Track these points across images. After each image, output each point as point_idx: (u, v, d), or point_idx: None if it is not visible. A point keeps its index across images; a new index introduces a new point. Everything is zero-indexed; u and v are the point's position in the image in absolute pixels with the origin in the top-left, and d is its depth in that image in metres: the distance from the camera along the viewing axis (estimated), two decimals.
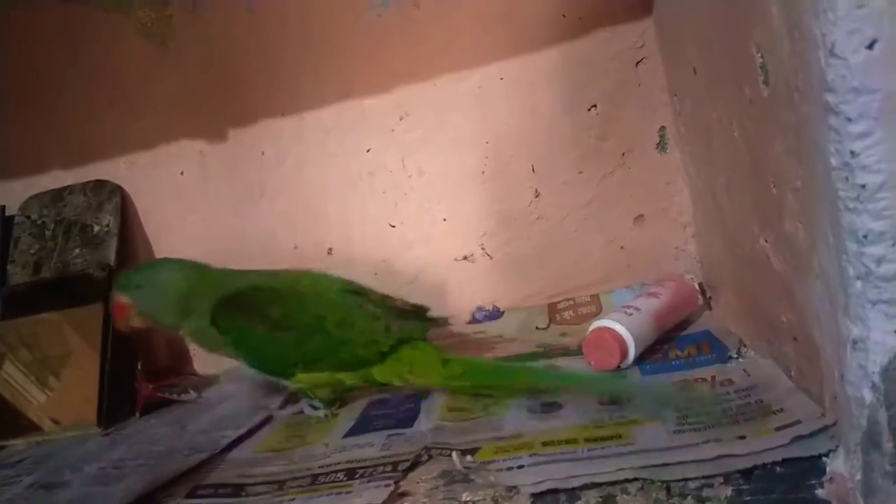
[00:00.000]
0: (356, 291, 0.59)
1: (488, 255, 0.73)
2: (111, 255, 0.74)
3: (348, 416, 0.55)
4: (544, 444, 0.40)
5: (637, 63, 0.67)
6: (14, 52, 0.79)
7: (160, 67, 0.76)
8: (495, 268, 0.73)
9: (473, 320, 0.73)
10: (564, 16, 0.68)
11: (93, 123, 0.78)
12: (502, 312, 0.73)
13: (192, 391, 0.72)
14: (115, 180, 0.78)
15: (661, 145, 0.68)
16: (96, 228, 0.76)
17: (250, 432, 0.56)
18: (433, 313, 0.61)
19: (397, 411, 0.53)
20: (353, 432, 0.50)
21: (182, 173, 0.77)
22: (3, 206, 0.79)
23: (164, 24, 0.75)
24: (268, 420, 0.59)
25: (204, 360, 0.78)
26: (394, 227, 0.75)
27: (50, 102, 0.79)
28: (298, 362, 0.55)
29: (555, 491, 0.35)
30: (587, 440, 0.39)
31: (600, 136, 0.69)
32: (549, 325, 0.70)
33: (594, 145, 0.70)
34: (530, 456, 0.38)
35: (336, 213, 0.75)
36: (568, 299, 0.71)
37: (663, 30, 0.64)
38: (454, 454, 0.41)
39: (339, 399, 0.58)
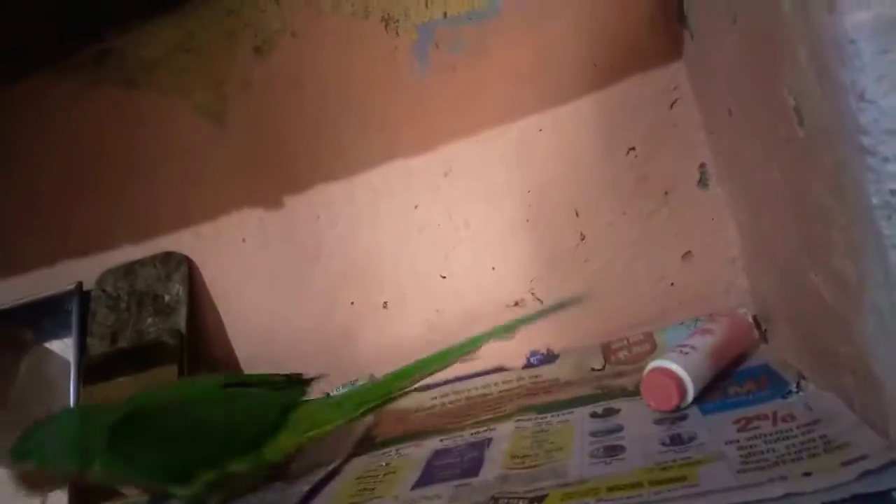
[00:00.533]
0: (235, 382, 0.62)
1: (538, 299, 0.75)
2: (182, 322, 0.78)
3: (414, 467, 0.56)
4: (609, 489, 0.40)
5: (672, 105, 0.69)
6: (83, 136, 0.85)
7: (218, 143, 0.81)
8: None
9: (528, 364, 0.74)
10: (596, 65, 0.71)
11: (158, 199, 0.84)
12: (557, 355, 0.74)
13: None
14: (182, 251, 0.83)
15: (703, 182, 0.69)
16: (167, 298, 0.80)
17: (322, 484, 0.58)
18: (309, 375, 0.65)
19: (462, 460, 0.54)
20: (420, 483, 0.52)
21: (244, 240, 0.82)
22: (81, 282, 0.84)
23: (220, 104, 0.80)
24: (335, 473, 0.61)
25: None
26: (444, 278, 0.77)
27: (118, 182, 0.85)
28: (199, 463, 0.56)
29: None
30: (652, 483, 0.40)
31: (641, 177, 0.71)
32: (604, 366, 0.70)
33: (635, 186, 0.71)
34: (597, 502, 0.39)
35: (389, 269, 0.78)
36: (621, 339, 0.71)
37: (695, 72, 0.66)
38: (521, 502, 0.42)
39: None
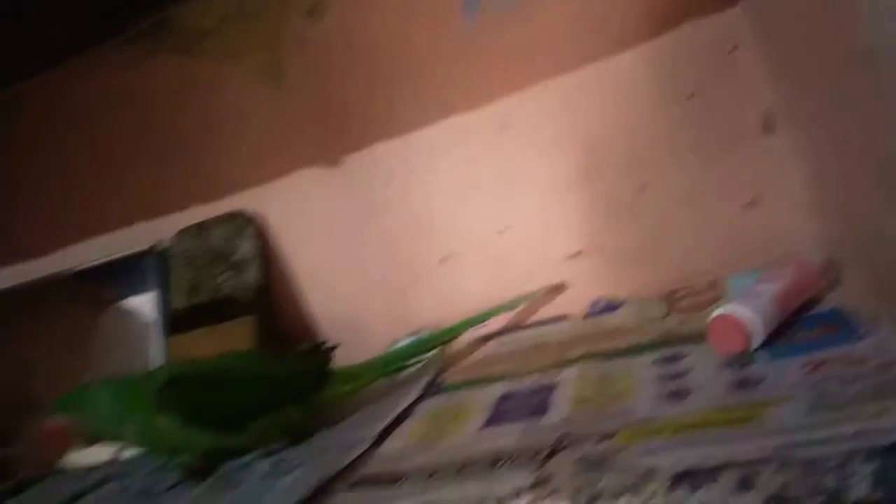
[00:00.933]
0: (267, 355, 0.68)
1: (599, 250, 0.75)
2: (253, 277, 0.82)
3: (482, 409, 0.58)
4: (677, 428, 0.42)
5: (731, 50, 0.67)
6: (148, 103, 0.89)
7: (278, 106, 0.83)
8: (608, 262, 0.75)
9: (591, 313, 0.75)
10: (651, 12, 0.69)
11: (224, 161, 0.87)
12: (619, 304, 0.74)
13: None
14: (250, 209, 0.86)
15: (767, 127, 0.68)
16: (238, 254, 0.84)
17: (393, 426, 0.61)
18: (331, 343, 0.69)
19: (528, 403, 0.56)
20: (489, 423, 0.54)
21: (307, 198, 0.84)
22: (157, 242, 0.89)
23: (276, 66, 0.82)
24: (405, 415, 0.64)
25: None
26: (501, 232, 0.78)
27: (186, 146, 0.89)
28: (246, 414, 0.61)
29: (692, 472, 0.37)
30: (720, 423, 0.41)
31: (701, 125, 0.70)
32: (668, 314, 0.71)
33: (696, 134, 0.70)
34: (665, 440, 0.40)
35: (446, 225, 0.80)
36: (685, 287, 0.71)
37: (755, 16, 0.64)
38: (591, 440, 0.43)
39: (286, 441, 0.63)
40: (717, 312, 0.55)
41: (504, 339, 0.77)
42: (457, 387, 0.68)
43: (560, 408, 0.53)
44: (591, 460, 0.42)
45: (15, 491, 0.76)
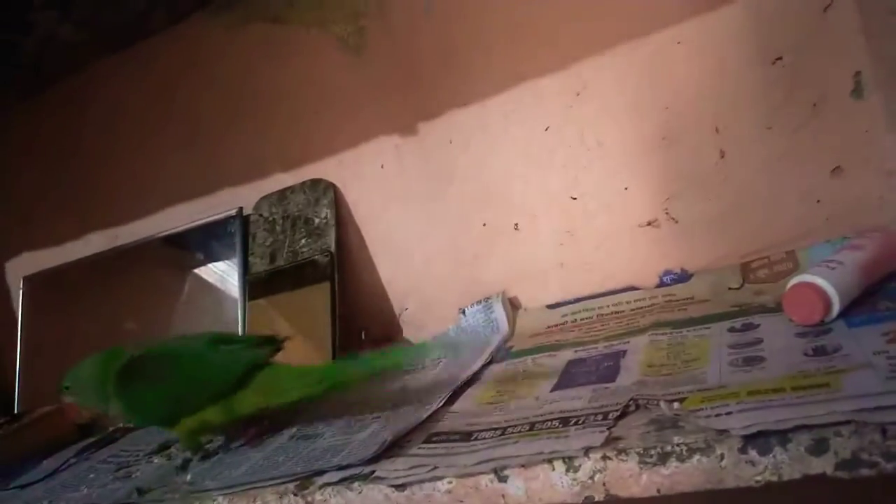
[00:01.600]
0: (220, 340, 0.66)
1: (673, 219, 0.75)
2: (331, 242, 0.85)
3: (551, 373, 0.60)
4: (750, 392, 0.42)
5: (825, 8, 0.65)
6: (236, 70, 0.92)
7: (357, 74, 0.85)
8: (682, 231, 0.74)
9: (661, 283, 0.75)
10: None
11: (305, 130, 0.90)
12: (691, 275, 0.74)
13: None
14: (328, 177, 0.89)
15: (857, 92, 0.65)
16: (316, 221, 0.87)
17: (464, 386, 0.63)
18: (280, 337, 0.67)
19: (597, 368, 0.57)
20: (558, 387, 0.55)
21: (382, 166, 0.86)
22: (241, 208, 0.93)
23: (358, 36, 0.84)
24: (476, 377, 0.66)
25: (413, 331, 0.88)
26: (575, 199, 0.78)
27: (268, 114, 0.92)
28: (177, 411, 0.62)
29: (766, 434, 0.37)
30: (794, 388, 0.41)
31: (789, 89, 0.68)
32: (742, 285, 0.70)
33: (782, 98, 0.68)
34: (738, 403, 0.41)
35: (520, 191, 0.81)
36: (762, 257, 0.70)
37: None
38: (662, 403, 0.44)
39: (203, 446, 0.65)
40: (795, 281, 0.54)
41: (574, 307, 0.77)
42: (525, 353, 0.69)
43: (630, 372, 0.54)
44: (661, 421, 0.42)
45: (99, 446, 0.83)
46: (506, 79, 0.78)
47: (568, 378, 0.57)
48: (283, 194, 0.91)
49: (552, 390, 0.55)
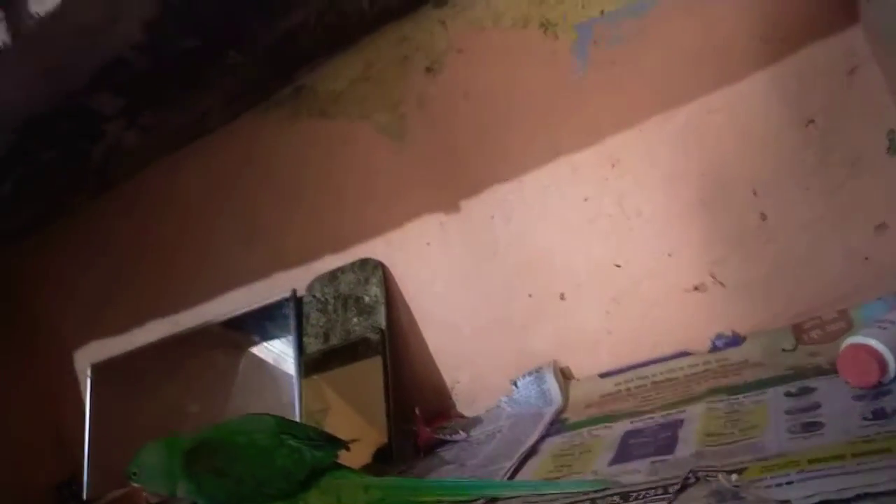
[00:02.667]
0: (285, 430, 0.65)
1: (720, 283, 0.75)
2: (381, 320, 0.88)
3: (608, 446, 0.60)
4: (811, 461, 0.42)
5: (850, 72, 0.66)
6: (288, 162, 0.98)
7: (400, 159, 0.90)
8: (730, 294, 0.75)
9: (714, 348, 0.75)
10: (765, 39, 0.70)
11: (353, 213, 0.94)
12: (744, 338, 0.73)
13: (461, 431, 0.82)
14: (376, 257, 0.92)
15: (893, 149, 0.66)
16: (367, 299, 0.90)
17: (521, 463, 0.63)
18: (345, 440, 0.67)
19: (655, 439, 0.57)
20: (616, 461, 0.55)
21: (428, 244, 0.90)
22: (294, 290, 0.97)
23: (399, 124, 0.89)
24: (532, 452, 0.66)
25: (465, 404, 0.89)
26: (619, 266, 0.79)
27: (319, 200, 0.97)
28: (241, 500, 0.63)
29: (828, 503, 0.37)
30: (855, 455, 0.40)
31: (823, 150, 0.69)
32: (796, 347, 0.69)
33: (817, 160, 0.69)
34: (798, 472, 0.40)
35: (563, 261, 0.82)
36: (814, 318, 0.69)
37: (876, 35, 0.63)
38: (721, 475, 0.44)
39: None
40: (848, 342, 0.54)
41: (627, 375, 0.77)
42: (580, 425, 0.70)
43: (688, 442, 0.54)
44: (722, 493, 0.42)
45: None
46: (542, 154, 0.81)
47: (625, 450, 0.57)
48: (334, 275, 0.95)
49: (610, 464, 0.55)
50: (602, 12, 0.75)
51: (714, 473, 0.45)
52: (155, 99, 0.81)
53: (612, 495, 0.48)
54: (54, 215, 1.13)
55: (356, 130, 0.92)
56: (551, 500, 0.52)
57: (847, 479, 0.37)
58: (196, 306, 1.08)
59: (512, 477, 0.61)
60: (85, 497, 1.09)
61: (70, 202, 1.09)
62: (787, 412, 0.53)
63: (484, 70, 0.82)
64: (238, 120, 0.99)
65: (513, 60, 0.80)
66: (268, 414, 0.71)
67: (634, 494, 0.47)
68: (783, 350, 0.69)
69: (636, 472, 0.51)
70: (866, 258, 0.68)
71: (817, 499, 0.37)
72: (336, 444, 0.66)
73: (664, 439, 0.56)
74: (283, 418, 0.71)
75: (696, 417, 0.59)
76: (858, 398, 0.50)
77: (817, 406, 0.52)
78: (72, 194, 1.05)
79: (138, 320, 1.14)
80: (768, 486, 0.40)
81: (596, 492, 0.49)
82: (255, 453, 0.65)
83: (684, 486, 0.45)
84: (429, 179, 0.88)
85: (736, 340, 0.74)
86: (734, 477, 0.43)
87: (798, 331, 0.70)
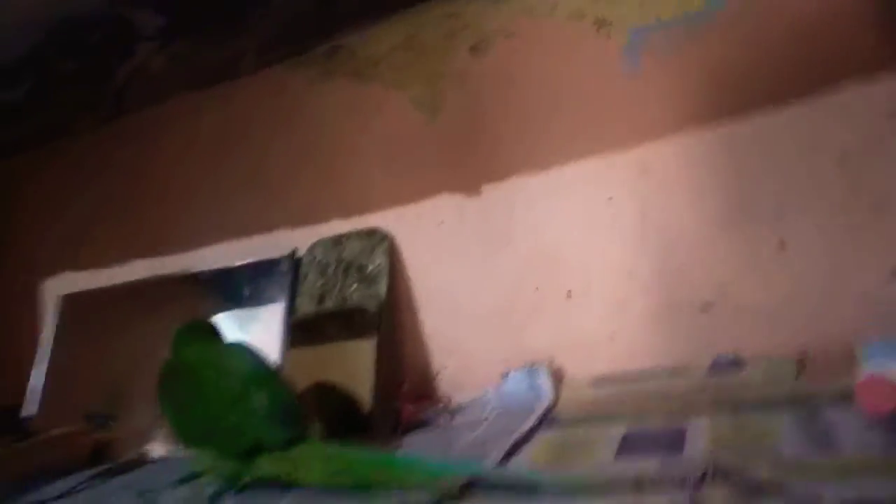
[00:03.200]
0: (256, 383, 0.64)
1: (729, 303, 0.75)
2: (382, 291, 0.86)
3: (609, 441, 0.59)
4: (836, 469, 0.41)
5: (892, 115, 0.68)
6: (311, 120, 0.96)
7: (428, 133, 0.89)
8: (737, 317, 0.75)
9: (714, 367, 0.74)
10: (811, 69, 0.71)
11: (369, 180, 0.93)
12: (745, 361, 0.73)
13: (445, 414, 0.81)
14: (385, 228, 0.91)
15: None
16: (370, 268, 0.89)
17: (514, 448, 0.62)
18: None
19: (659, 440, 0.56)
20: (622, 455, 0.55)
21: (442, 223, 0.88)
22: (295, 250, 0.95)
23: (435, 98, 0.88)
24: (524, 440, 0.65)
25: (450, 390, 0.88)
26: (632, 272, 0.79)
27: (333, 164, 0.95)
28: (203, 437, 0.62)
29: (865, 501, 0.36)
30: (883, 468, 0.40)
31: (851, 189, 0.70)
32: (798, 377, 0.69)
33: (846, 195, 0.70)
34: (826, 474, 0.40)
35: (577, 259, 0.82)
36: (819, 352, 0.70)
37: None
38: (742, 472, 0.43)
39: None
40: (866, 371, 0.54)
41: (623, 384, 0.77)
42: (575, 421, 0.69)
43: (698, 444, 0.53)
44: (749, 487, 0.42)
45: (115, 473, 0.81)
46: (577, 149, 0.81)
47: (629, 446, 0.57)
48: (338, 240, 0.93)
49: (616, 456, 0.54)
50: (658, 19, 0.75)
51: (733, 470, 0.44)
52: (194, 26, 0.78)
53: (623, 482, 0.47)
54: (55, 133, 1.08)
55: (389, 98, 0.90)
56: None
57: (879, 483, 0.37)
58: (186, 251, 1.05)
59: (504, 461, 0.59)
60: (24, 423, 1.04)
61: (76, 122, 1.05)
62: (801, 428, 0.52)
63: (532, 58, 0.82)
64: (268, 69, 0.97)
65: (563, 53, 0.80)
66: (253, 352, 0.69)
67: (649, 482, 0.46)
68: (786, 379, 0.70)
69: (647, 464, 0.50)
70: (878, 300, 0.69)
71: (850, 496, 0.36)
72: (296, 427, 0.62)
73: (670, 440, 0.56)
74: (264, 366, 0.68)
75: (701, 427, 0.58)
76: (875, 427, 0.50)
77: (832, 428, 0.52)
78: (81, 114, 1.01)
79: (121, 257, 1.10)
80: (795, 484, 0.40)
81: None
82: (214, 397, 0.63)
83: (702, 479, 0.45)
84: (454, 158, 0.87)
85: (736, 363, 0.74)
86: (756, 474, 0.43)
87: (801, 362, 0.70)
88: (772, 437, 0.51)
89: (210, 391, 0.64)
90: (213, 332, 0.71)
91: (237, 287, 0.99)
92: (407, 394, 0.81)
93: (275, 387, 0.66)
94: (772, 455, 0.47)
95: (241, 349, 0.70)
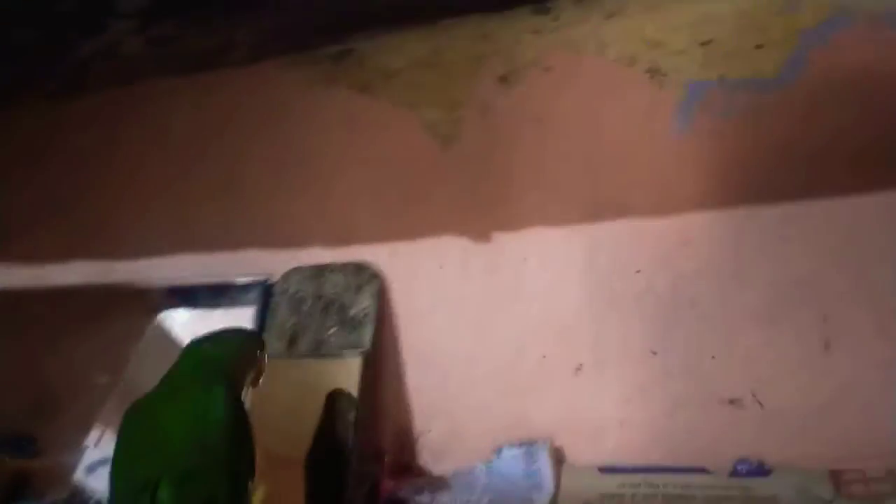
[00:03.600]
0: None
1: (759, 402, 0.68)
2: (367, 339, 0.75)
3: None
4: None
5: None
6: (303, 129, 0.84)
7: (437, 164, 0.78)
8: (766, 419, 0.67)
9: (736, 472, 0.67)
10: (881, 159, 0.64)
11: (362, 207, 0.82)
12: (769, 470, 0.66)
13: (427, 492, 0.70)
14: (375, 264, 0.80)
15: None
16: (353, 310, 0.77)
17: None
18: None
19: None
20: None
21: (441, 267, 0.78)
22: (269, 276, 0.83)
23: (452, 126, 0.77)
24: None
25: (432, 458, 0.77)
26: (655, 354, 0.71)
27: (322, 182, 0.83)
28: None
29: None
30: None
31: None
32: (834, 498, 0.62)
33: None
34: None
35: (592, 331, 0.73)
36: (856, 470, 0.63)
37: None
38: None
39: None
40: None
41: (634, 478, 0.68)
42: None
43: None
44: None
45: None
46: (606, 206, 0.72)
47: None
48: (319, 271, 0.81)
49: None
50: (722, 77, 0.67)
51: None
52: (182, 7, 0.66)
53: None
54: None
55: (397, 117, 0.80)
56: None
57: None
58: (139, 259, 0.91)
59: None
60: None
61: (26, 97, 0.89)
62: None
63: (569, 98, 0.73)
64: (260, 65, 0.84)
65: (605, 98, 0.71)
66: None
67: None
68: (820, 497, 0.62)
69: None
70: None
71: None
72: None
73: None
74: (240, 426, 0.56)
75: None
76: None
77: None
78: (32, 89, 0.86)
79: (60, 255, 0.95)
80: None
81: None
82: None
83: None
84: (464, 197, 0.77)
85: (760, 470, 0.66)
86: None
87: (836, 480, 0.63)
88: None
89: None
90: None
91: (193, 308, 0.86)
92: (388, 465, 0.70)
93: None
94: None
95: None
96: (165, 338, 0.87)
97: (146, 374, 0.84)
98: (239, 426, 0.52)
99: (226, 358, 0.55)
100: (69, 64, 0.78)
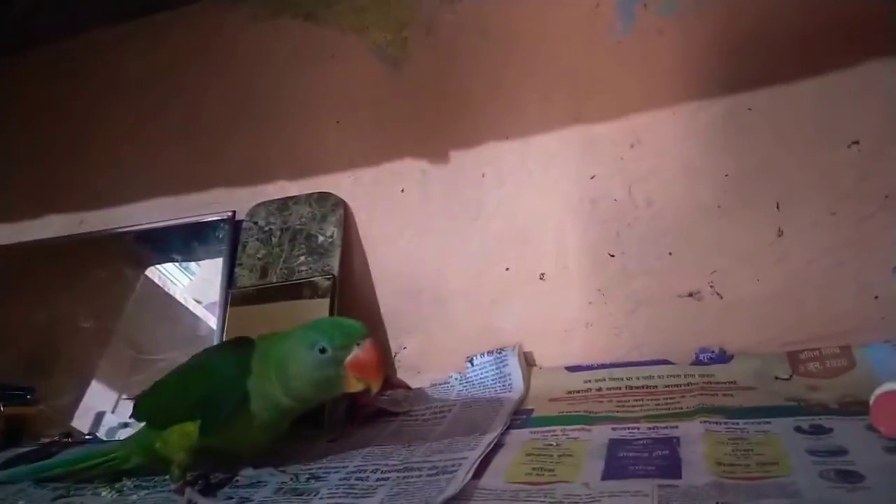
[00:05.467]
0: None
1: (717, 293, 0.69)
2: (335, 264, 0.76)
3: (593, 454, 0.52)
4: None
5: None
6: (254, 64, 0.83)
7: (390, 88, 0.78)
8: (725, 308, 0.69)
9: (697, 361, 0.69)
10: (826, 43, 0.63)
11: (320, 138, 0.82)
12: (731, 356, 0.68)
13: (404, 403, 0.73)
14: (338, 193, 0.80)
15: None
16: (320, 238, 0.79)
17: (488, 456, 0.55)
18: None
19: (651, 456, 0.50)
20: (611, 475, 0.48)
21: (402, 191, 0.79)
22: (234, 212, 0.84)
23: (399, 47, 0.77)
24: (498, 444, 0.58)
25: (408, 374, 0.80)
26: (613, 256, 0.72)
27: (280, 116, 0.83)
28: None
29: None
30: None
31: (861, 176, 0.64)
32: (791, 376, 0.64)
33: (852, 185, 0.64)
34: None
35: (553, 239, 0.74)
36: (812, 349, 0.65)
37: None
38: None
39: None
40: (883, 389, 0.48)
41: (598, 373, 0.70)
42: (551, 421, 0.62)
43: (697, 468, 0.47)
44: None
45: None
46: (557, 116, 0.72)
47: (618, 464, 0.50)
48: (284, 204, 0.82)
49: (603, 478, 0.48)
50: None
51: None
52: None
53: None
54: None
55: (345, 44, 0.79)
56: None
57: None
58: (110, 208, 0.92)
59: (479, 471, 0.52)
60: None
61: None
62: (811, 452, 0.47)
63: (511, 8, 0.72)
64: (202, 3, 0.83)
65: (547, 6, 0.70)
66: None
67: None
68: (777, 378, 0.65)
69: (642, 496, 0.44)
70: (876, 297, 0.64)
71: None
72: None
73: (664, 458, 0.49)
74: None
75: (695, 438, 0.52)
76: (891, 450, 0.45)
77: (844, 452, 0.46)
78: None
79: (34, 210, 0.96)
80: None
81: None
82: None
83: None
84: (419, 118, 0.77)
85: (722, 357, 0.68)
86: None
87: (794, 360, 0.65)
88: (783, 467, 0.45)
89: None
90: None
91: (167, 250, 0.87)
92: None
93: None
94: (787, 494, 0.41)
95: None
96: (156, 291, 0.88)
97: (140, 327, 0.87)
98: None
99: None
100: (9, 18, 0.77)
